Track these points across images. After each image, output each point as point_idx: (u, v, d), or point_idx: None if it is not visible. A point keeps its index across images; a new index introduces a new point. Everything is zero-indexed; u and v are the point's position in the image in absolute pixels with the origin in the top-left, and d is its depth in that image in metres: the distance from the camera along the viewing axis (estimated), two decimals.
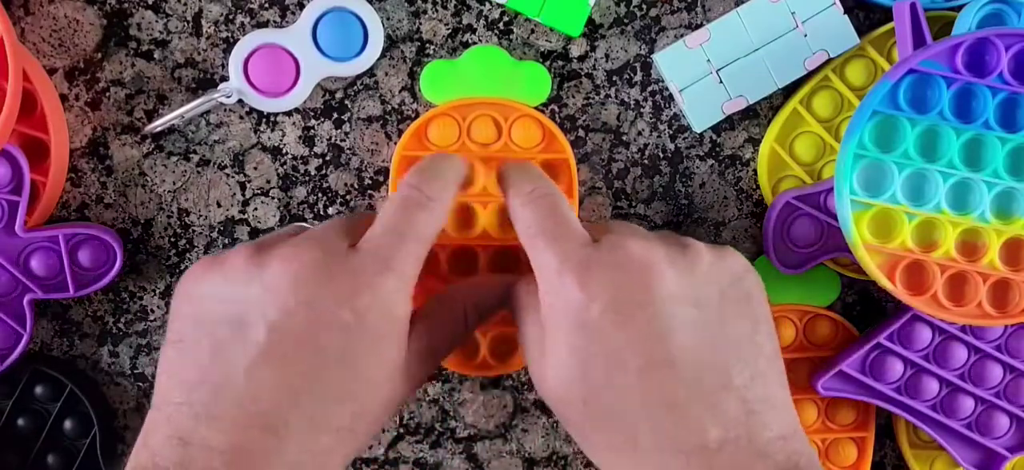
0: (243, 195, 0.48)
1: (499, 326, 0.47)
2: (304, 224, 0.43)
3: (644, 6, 0.47)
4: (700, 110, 0.46)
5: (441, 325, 0.41)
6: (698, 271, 0.38)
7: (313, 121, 0.47)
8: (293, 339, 0.36)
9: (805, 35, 0.46)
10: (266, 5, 0.46)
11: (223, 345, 0.36)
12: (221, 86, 0.46)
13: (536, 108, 0.46)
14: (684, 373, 0.36)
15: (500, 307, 0.43)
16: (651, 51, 0.48)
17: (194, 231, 0.48)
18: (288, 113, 0.47)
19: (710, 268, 0.38)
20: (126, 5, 0.46)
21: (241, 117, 0.47)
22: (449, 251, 0.46)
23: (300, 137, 0.48)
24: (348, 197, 0.48)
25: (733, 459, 0.35)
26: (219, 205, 0.48)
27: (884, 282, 0.43)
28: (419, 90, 0.47)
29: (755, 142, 0.49)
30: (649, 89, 0.48)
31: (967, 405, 0.47)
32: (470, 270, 0.46)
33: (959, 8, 0.45)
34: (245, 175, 0.48)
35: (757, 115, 0.48)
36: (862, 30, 0.47)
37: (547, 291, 0.38)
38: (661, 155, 0.48)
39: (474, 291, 0.43)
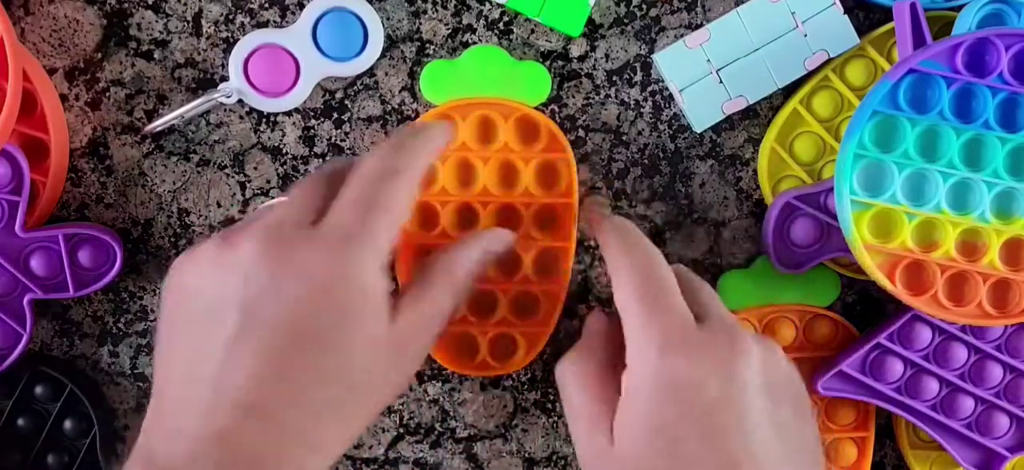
0: (243, 195, 0.48)
1: (499, 326, 0.47)
2: (275, 200, 0.43)
3: (644, 6, 0.47)
4: (700, 110, 0.46)
5: (432, 290, 0.39)
6: (780, 373, 0.39)
7: (313, 121, 0.47)
8: (263, 320, 0.35)
9: (805, 35, 0.46)
10: (266, 5, 0.46)
11: (202, 334, 0.36)
12: (221, 86, 0.46)
13: (536, 108, 0.46)
14: (763, 468, 0.37)
15: (497, 252, 0.42)
16: (651, 51, 0.48)
17: (194, 231, 0.48)
18: (288, 113, 0.47)
19: (788, 371, 0.40)
20: (126, 5, 0.46)
21: (241, 117, 0.47)
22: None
23: (300, 137, 0.48)
24: None
25: None
26: (219, 205, 0.48)
27: (884, 282, 0.43)
28: (419, 90, 0.47)
29: (755, 142, 0.49)
30: (649, 89, 0.48)
31: (967, 405, 0.47)
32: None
33: (959, 8, 0.45)
34: (245, 175, 0.48)
35: (757, 115, 0.48)
36: (862, 30, 0.47)
37: (644, 364, 0.38)
38: (661, 155, 0.48)
39: (466, 247, 0.41)
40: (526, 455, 0.50)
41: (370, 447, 0.50)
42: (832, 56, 0.46)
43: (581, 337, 0.43)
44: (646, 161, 0.48)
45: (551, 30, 0.47)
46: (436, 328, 0.39)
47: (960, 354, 0.47)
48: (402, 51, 0.47)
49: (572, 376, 0.41)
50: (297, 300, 0.35)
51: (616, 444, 0.38)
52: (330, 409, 0.36)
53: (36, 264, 0.45)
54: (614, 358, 0.40)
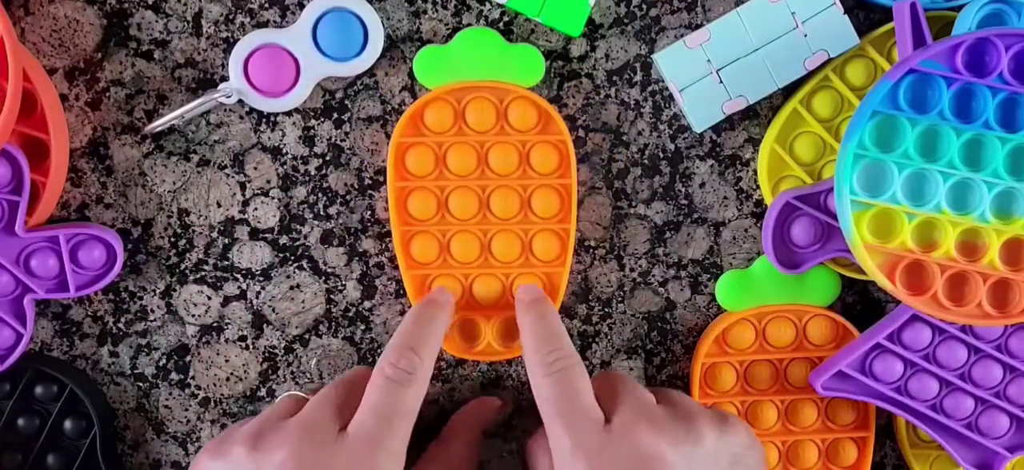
0: (243, 195, 0.48)
1: (502, 311, 0.47)
2: (297, 393, 0.46)
3: (644, 6, 0.47)
4: (700, 110, 0.46)
5: (453, 462, 0.45)
6: (701, 452, 0.40)
7: (313, 121, 0.47)
8: None
9: (805, 35, 0.46)
10: (266, 5, 0.46)
11: None
12: (221, 86, 0.46)
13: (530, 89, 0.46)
14: None
15: (489, 423, 0.48)
16: (651, 51, 0.48)
17: (194, 231, 0.48)
18: (288, 113, 0.47)
19: (715, 447, 0.40)
20: (126, 5, 0.46)
21: (241, 117, 0.47)
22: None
23: (300, 137, 0.48)
24: (348, 197, 0.48)
25: None
26: (219, 205, 0.48)
27: (884, 282, 0.43)
28: (419, 89, 0.47)
29: (755, 142, 0.49)
30: (649, 89, 0.48)
31: (967, 405, 0.47)
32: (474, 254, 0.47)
33: (959, 8, 0.45)
34: (245, 175, 0.48)
35: (757, 115, 0.48)
36: (862, 30, 0.47)
37: (560, 468, 0.40)
38: (661, 155, 0.48)
39: (476, 416, 0.47)
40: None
41: None
42: (832, 56, 0.46)
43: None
44: (646, 161, 0.48)
45: (551, 30, 0.47)
46: None
47: (959, 354, 0.47)
48: (402, 51, 0.47)
49: (539, 450, 0.44)
50: None
51: None
52: None
53: (36, 264, 0.45)
54: None
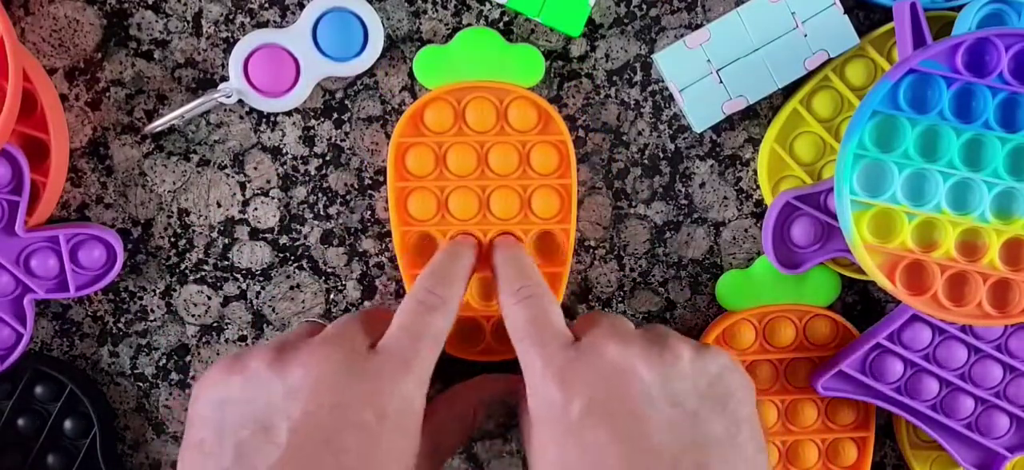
0: (243, 195, 0.48)
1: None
2: (317, 320, 0.44)
3: (644, 6, 0.47)
4: (700, 110, 0.46)
5: (449, 425, 0.44)
6: (676, 371, 0.39)
7: (313, 121, 0.47)
8: (316, 440, 0.37)
9: (805, 35, 0.46)
10: (266, 5, 0.46)
11: (245, 448, 0.37)
12: (221, 86, 0.46)
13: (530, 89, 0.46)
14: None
15: (503, 402, 0.45)
16: (651, 51, 0.48)
17: (194, 231, 0.48)
18: (288, 113, 0.47)
19: (689, 367, 0.39)
20: (126, 5, 0.46)
21: (241, 117, 0.47)
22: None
23: (300, 137, 0.48)
24: (348, 197, 0.48)
25: None
26: (219, 205, 0.48)
27: (884, 282, 0.43)
28: (419, 89, 0.47)
29: (755, 142, 0.49)
30: (649, 89, 0.48)
31: (967, 405, 0.47)
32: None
33: (959, 8, 0.45)
34: (245, 175, 0.48)
35: (757, 115, 0.48)
36: (862, 30, 0.47)
37: (532, 392, 0.39)
38: (661, 155, 0.48)
39: (481, 389, 0.45)
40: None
41: None
42: (832, 56, 0.46)
43: None
44: (646, 161, 0.48)
45: (551, 30, 0.47)
46: (448, 457, 0.44)
47: (960, 354, 0.47)
48: (402, 51, 0.47)
49: (520, 394, 0.42)
50: (353, 422, 0.37)
51: (539, 466, 0.39)
52: None
53: (36, 264, 0.45)
54: None
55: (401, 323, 0.40)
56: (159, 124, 0.46)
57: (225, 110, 0.47)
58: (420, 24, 0.47)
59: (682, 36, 0.47)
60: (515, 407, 0.46)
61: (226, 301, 0.49)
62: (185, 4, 0.46)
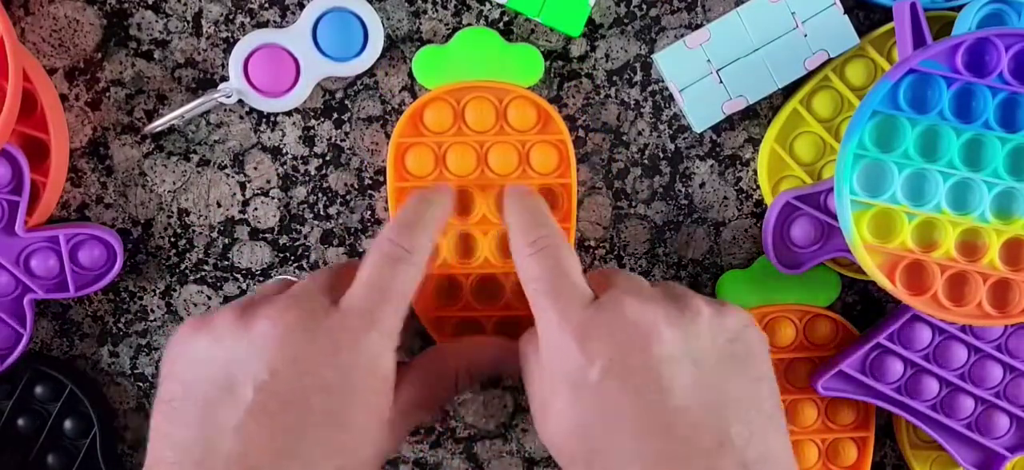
0: (243, 195, 0.48)
1: (503, 310, 0.47)
2: (289, 276, 0.44)
3: (644, 6, 0.47)
4: (700, 110, 0.46)
5: (430, 382, 0.42)
6: (696, 329, 0.38)
7: (313, 121, 0.47)
8: (280, 398, 0.36)
9: (805, 35, 0.46)
10: (266, 5, 0.46)
11: (212, 405, 0.36)
12: (221, 86, 0.46)
13: (530, 89, 0.46)
14: (681, 433, 0.36)
15: (493, 370, 0.44)
16: (651, 51, 0.48)
17: (194, 231, 0.48)
18: (288, 113, 0.47)
19: (709, 325, 0.38)
20: (126, 5, 0.46)
21: (241, 117, 0.47)
22: (451, 237, 0.46)
23: (300, 137, 0.48)
24: (348, 197, 0.48)
25: None
26: (219, 205, 0.48)
27: (884, 282, 0.43)
28: (419, 89, 0.47)
29: (755, 142, 0.49)
30: (649, 89, 0.48)
31: (967, 405, 0.47)
32: (470, 254, 0.47)
33: (959, 8, 0.45)
34: (245, 175, 0.48)
35: (757, 115, 0.48)
36: (862, 30, 0.47)
37: (547, 348, 0.38)
38: (661, 155, 0.48)
39: (467, 352, 0.44)
40: (526, 455, 0.51)
41: None
42: (832, 56, 0.46)
43: None
44: (646, 161, 0.48)
45: (551, 30, 0.47)
46: (428, 416, 0.43)
47: (960, 354, 0.47)
48: (402, 51, 0.47)
49: (527, 354, 0.41)
50: (314, 381, 0.36)
51: (548, 425, 0.38)
52: None
53: (36, 264, 0.45)
54: None
55: (364, 278, 0.39)
56: (159, 124, 0.46)
57: (225, 110, 0.47)
58: (420, 24, 0.47)
59: (682, 36, 0.47)
60: (503, 370, 0.45)
61: (226, 301, 0.49)
62: (185, 4, 0.46)
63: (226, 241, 0.48)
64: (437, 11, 0.47)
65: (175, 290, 0.48)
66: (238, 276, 0.48)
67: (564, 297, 0.38)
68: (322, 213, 0.48)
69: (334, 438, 0.37)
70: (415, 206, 0.42)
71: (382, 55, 0.46)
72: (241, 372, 0.36)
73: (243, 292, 0.48)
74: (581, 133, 0.48)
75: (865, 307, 0.50)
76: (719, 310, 0.39)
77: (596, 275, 0.41)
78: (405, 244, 0.39)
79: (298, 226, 0.48)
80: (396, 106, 0.47)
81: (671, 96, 0.48)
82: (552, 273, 0.39)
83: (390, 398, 0.38)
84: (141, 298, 0.49)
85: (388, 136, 0.48)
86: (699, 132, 0.48)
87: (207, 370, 0.37)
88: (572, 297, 0.38)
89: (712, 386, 0.37)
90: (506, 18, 0.47)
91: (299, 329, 0.37)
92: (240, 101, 0.46)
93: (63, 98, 0.47)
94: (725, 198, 0.49)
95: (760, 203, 0.49)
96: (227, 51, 0.46)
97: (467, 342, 0.46)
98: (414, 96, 0.47)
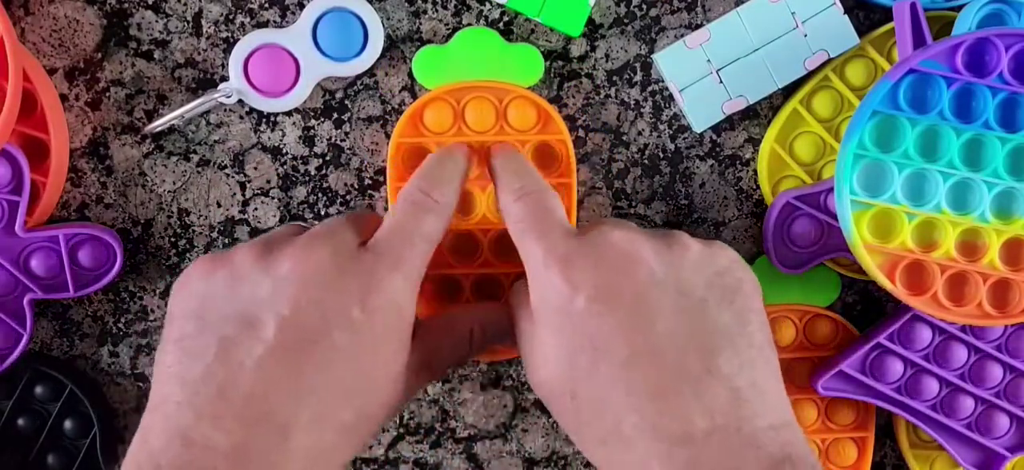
0: (243, 195, 0.48)
1: None
2: (303, 224, 0.43)
3: (644, 6, 0.47)
4: (700, 110, 0.46)
5: (445, 340, 0.42)
6: (683, 261, 0.38)
7: (313, 121, 0.47)
8: (304, 336, 0.36)
9: (805, 35, 0.46)
10: (266, 5, 0.46)
11: (230, 342, 0.36)
12: (221, 86, 0.46)
13: (530, 89, 0.46)
14: (668, 359, 0.36)
15: (504, 334, 0.43)
16: (651, 51, 0.48)
17: (194, 231, 0.48)
18: (288, 113, 0.47)
19: (697, 258, 0.38)
20: (126, 5, 0.46)
21: (241, 117, 0.47)
22: (450, 237, 0.46)
23: (300, 137, 0.48)
24: (348, 197, 0.48)
25: (722, 447, 0.35)
26: (219, 205, 0.48)
27: (884, 282, 0.43)
28: (419, 89, 0.47)
29: (755, 142, 0.49)
30: (649, 89, 0.48)
31: (967, 405, 0.47)
32: (471, 254, 0.47)
33: (959, 8, 0.45)
34: (245, 175, 0.48)
35: (757, 115, 0.48)
36: (862, 30, 0.47)
37: (534, 284, 0.38)
38: (661, 155, 0.48)
39: (479, 316, 0.44)
40: (526, 455, 0.51)
41: (370, 447, 0.50)
42: (832, 56, 0.46)
43: None
44: (646, 161, 0.48)
45: (551, 30, 0.47)
46: (441, 373, 0.43)
47: (960, 354, 0.47)
48: (402, 51, 0.47)
49: (516, 298, 0.41)
50: (341, 319, 0.36)
51: (536, 363, 0.38)
52: (343, 429, 0.37)
53: (36, 264, 0.45)
54: None
55: (394, 223, 0.39)
56: (159, 124, 0.46)
57: (225, 110, 0.47)
58: (420, 24, 0.47)
59: (682, 36, 0.47)
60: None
61: None
62: (185, 4, 0.46)
63: (226, 241, 0.48)
64: (437, 11, 0.47)
65: None
66: None
67: (548, 232, 0.38)
68: (322, 213, 0.48)
69: (354, 379, 0.36)
70: (440, 160, 0.42)
71: (382, 55, 0.46)
72: (263, 310, 0.36)
73: None
74: (581, 133, 0.48)
75: (865, 307, 0.50)
76: (709, 245, 0.39)
77: (586, 225, 0.41)
78: (433, 194, 0.40)
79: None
80: (396, 106, 0.47)
81: (671, 96, 0.48)
82: (536, 213, 0.39)
83: (408, 345, 0.38)
84: (141, 298, 0.49)
85: (388, 136, 0.48)
86: (699, 132, 0.48)
87: (224, 307, 0.36)
88: (555, 231, 0.38)
89: (698, 313, 0.37)
90: (506, 18, 0.47)
91: (328, 267, 0.37)
92: (240, 101, 0.46)
93: (63, 98, 0.47)
94: (725, 198, 0.49)
95: (760, 203, 0.49)
96: (227, 51, 0.46)
97: (479, 307, 0.46)
98: (414, 96, 0.47)
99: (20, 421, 0.47)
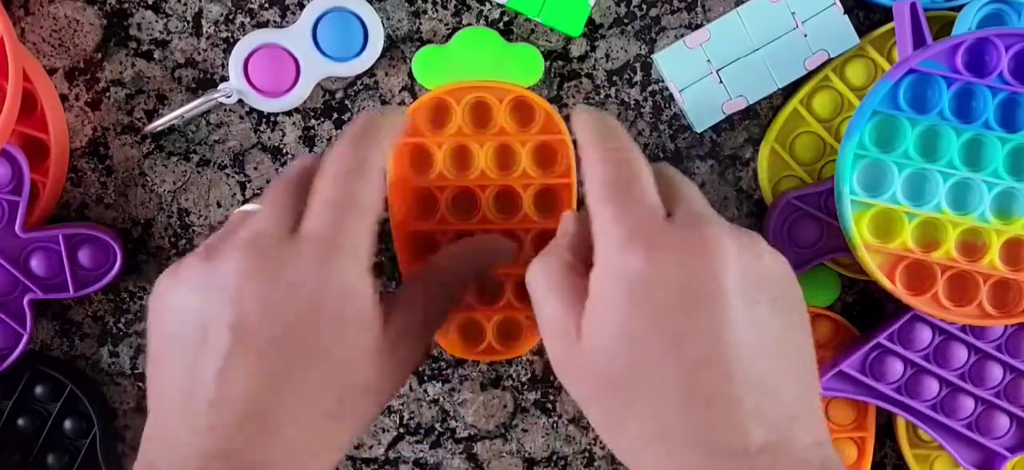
0: (243, 195, 0.48)
1: (504, 311, 0.47)
2: (248, 207, 0.42)
3: (644, 6, 0.47)
4: (700, 110, 0.46)
5: (423, 299, 0.40)
6: (760, 268, 0.36)
7: (313, 121, 0.47)
8: (255, 338, 0.35)
9: (805, 35, 0.46)
10: (266, 5, 0.46)
11: (192, 355, 0.35)
12: (221, 86, 0.46)
13: (529, 89, 0.46)
14: (735, 372, 0.34)
15: (482, 265, 0.41)
16: (651, 51, 0.48)
17: (194, 231, 0.48)
18: (288, 113, 0.47)
19: (770, 267, 0.36)
20: (126, 5, 0.46)
21: (241, 117, 0.47)
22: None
23: (300, 137, 0.48)
24: None
25: (772, 464, 0.34)
26: (219, 205, 0.48)
27: (884, 282, 0.43)
28: (419, 89, 0.47)
29: (755, 142, 0.49)
30: (649, 89, 0.48)
31: (967, 405, 0.47)
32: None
33: (959, 8, 0.45)
34: (245, 175, 0.48)
35: (757, 115, 0.48)
36: (862, 30, 0.47)
37: (607, 258, 0.36)
38: (661, 155, 0.48)
39: (459, 256, 0.42)
40: (526, 455, 0.51)
41: (370, 447, 0.50)
42: (832, 56, 0.46)
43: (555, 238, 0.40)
44: None
45: (551, 30, 0.47)
46: (429, 335, 0.40)
47: (960, 354, 0.47)
48: (402, 51, 0.47)
49: (541, 277, 0.38)
50: (286, 316, 0.35)
51: (584, 344, 0.36)
52: (328, 416, 0.36)
53: (36, 264, 0.45)
54: (587, 257, 0.37)
55: (319, 198, 0.36)
56: (159, 124, 0.46)
57: (225, 110, 0.47)
58: (420, 24, 0.47)
59: (682, 36, 0.47)
60: (496, 260, 0.43)
61: None
62: (185, 4, 0.46)
63: None
64: (437, 11, 0.47)
65: None
66: None
67: (634, 205, 0.36)
68: None
69: (317, 373, 0.36)
70: (362, 121, 0.39)
71: (382, 55, 0.46)
72: (213, 318, 0.35)
73: None
74: None
75: (865, 307, 0.50)
76: (774, 254, 0.37)
77: (657, 178, 0.38)
78: (359, 155, 0.37)
79: None
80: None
81: (671, 96, 0.48)
82: (624, 181, 0.36)
83: (374, 320, 0.37)
84: (141, 298, 0.49)
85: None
86: (699, 132, 0.48)
87: (182, 320, 0.36)
88: (645, 209, 0.36)
89: (770, 327, 0.35)
90: (506, 18, 0.47)
91: (262, 264, 0.35)
92: (240, 101, 0.46)
93: (63, 98, 0.47)
94: (725, 198, 0.49)
95: (760, 203, 0.49)
96: (227, 51, 0.46)
97: (449, 248, 0.43)
98: (414, 96, 0.47)
99: (20, 421, 0.47)
